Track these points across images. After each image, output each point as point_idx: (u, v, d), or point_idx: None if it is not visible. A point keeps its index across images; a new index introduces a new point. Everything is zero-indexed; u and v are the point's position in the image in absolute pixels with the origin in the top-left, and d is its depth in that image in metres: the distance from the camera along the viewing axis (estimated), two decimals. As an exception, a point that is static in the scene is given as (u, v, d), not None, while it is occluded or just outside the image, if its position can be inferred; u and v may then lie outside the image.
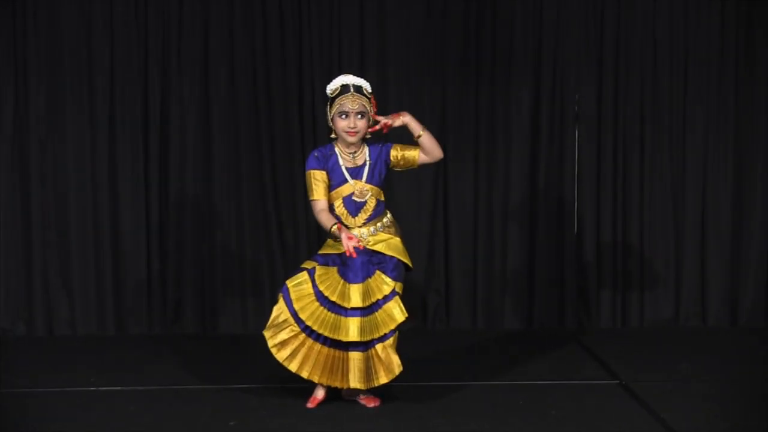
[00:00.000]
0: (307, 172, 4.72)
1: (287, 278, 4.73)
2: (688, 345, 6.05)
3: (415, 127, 4.68)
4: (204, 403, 4.86)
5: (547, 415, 4.67)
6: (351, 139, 4.69)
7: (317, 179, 4.69)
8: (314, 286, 4.65)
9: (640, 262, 6.48)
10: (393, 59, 6.35)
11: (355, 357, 4.64)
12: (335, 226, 4.57)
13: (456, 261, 6.45)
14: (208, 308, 6.36)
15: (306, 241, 6.33)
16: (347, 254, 4.50)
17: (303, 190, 6.17)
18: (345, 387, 4.69)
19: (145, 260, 6.31)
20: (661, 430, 4.49)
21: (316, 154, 4.74)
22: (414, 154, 4.73)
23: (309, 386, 4.98)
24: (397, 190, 6.37)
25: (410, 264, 4.78)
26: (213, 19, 6.26)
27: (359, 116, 4.67)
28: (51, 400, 4.94)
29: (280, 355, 4.68)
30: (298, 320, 4.64)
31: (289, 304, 4.66)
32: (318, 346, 4.66)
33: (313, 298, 4.64)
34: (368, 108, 4.70)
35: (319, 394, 4.78)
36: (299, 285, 4.66)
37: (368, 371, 4.66)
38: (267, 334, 4.69)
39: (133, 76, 6.25)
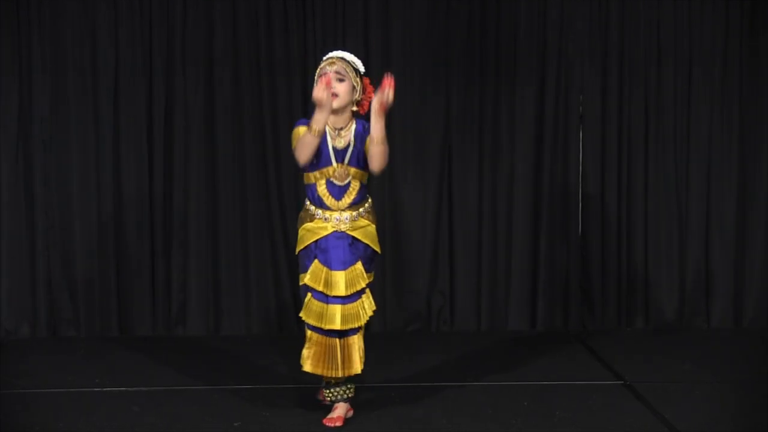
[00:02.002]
0: (294, 130, 4.56)
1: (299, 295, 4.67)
2: (691, 346, 6.05)
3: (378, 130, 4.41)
4: (208, 405, 4.86)
5: (551, 416, 4.68)
6: (333, 104, 4.44)
7: (299, 131, 4.49)
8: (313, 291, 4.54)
9: (644, 263, 6.46)
10: (397, 58, 6.34)
11: (336, 344, 4.52)
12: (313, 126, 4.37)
13: (460, 262, 6.44)
14: (212, 310, 6.36)
15: (310, 242, 6.32)
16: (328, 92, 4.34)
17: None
18: (333, 375, 4.55)
19: (149, 261, 6.31)
20: (665, 431, 4.49)
21: (303, 120, 4.56)
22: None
23: (311, 387, 4.98)
24: (402, 191, 6.37)
25: (379, 251, 4.69)
26: (217, 17, 6.25)
27: (339, 80, 4.49)
28: (55, 401, 4.94)
29: (307, 368, 4.57)
30: (312, 327, 4.54)
31: (309, 326, 4.55)
32: (321, 338, 4.54)
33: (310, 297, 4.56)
34: (351, 75, 4.52)
35: (340, 410, 4.62)
36: (308, 307, 4.55)
37: (344, 359, 4.53)
38: (304, 366, 4.57)
39: (137, 76, 6.24)
